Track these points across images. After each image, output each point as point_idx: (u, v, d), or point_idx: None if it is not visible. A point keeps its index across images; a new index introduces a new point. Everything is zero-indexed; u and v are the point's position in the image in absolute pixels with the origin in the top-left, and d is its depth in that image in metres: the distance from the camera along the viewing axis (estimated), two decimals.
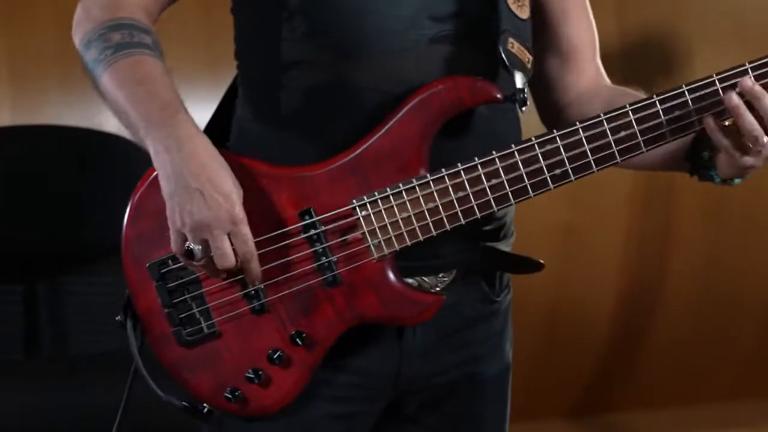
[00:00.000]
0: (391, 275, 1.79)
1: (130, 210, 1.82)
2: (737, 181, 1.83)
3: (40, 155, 3.13)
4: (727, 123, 1.76)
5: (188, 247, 1.71)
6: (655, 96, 1.77)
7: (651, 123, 1.77)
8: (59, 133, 3.10)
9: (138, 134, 1.77)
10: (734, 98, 1.73)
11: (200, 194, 1.70)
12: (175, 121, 1.74)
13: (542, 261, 1.87)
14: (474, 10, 1.84)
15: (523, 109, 1.84)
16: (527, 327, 4.00)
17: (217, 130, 1.91)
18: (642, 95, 1.83)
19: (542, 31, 1.96)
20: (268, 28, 1.85)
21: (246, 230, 1.72)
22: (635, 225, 4.12)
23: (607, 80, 2.02)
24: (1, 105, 3.45)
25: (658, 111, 1.76)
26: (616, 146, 1.77)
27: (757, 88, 1.73)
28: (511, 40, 1.81)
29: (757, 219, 4.18)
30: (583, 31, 2.00)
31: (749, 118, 1.73)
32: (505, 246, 1.92)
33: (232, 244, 1.72)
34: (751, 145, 1.74)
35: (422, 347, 1.88)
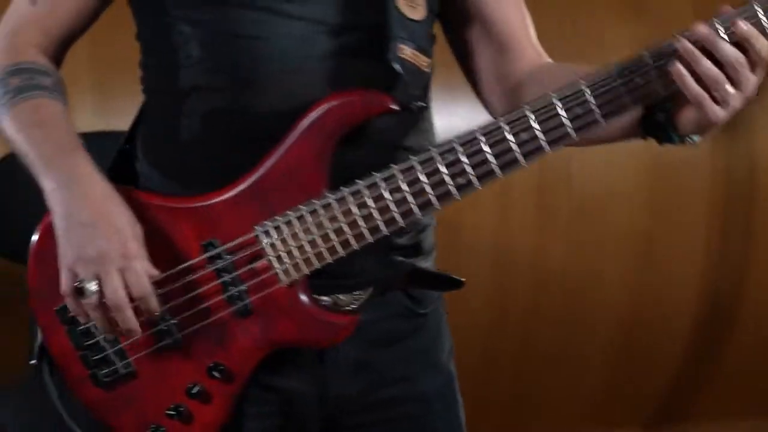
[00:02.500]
0: (304, 298, 1.77)
1: (32, 256, 1.80)
2: (696, 138, 1.74)
3: None
4: None
5: (79, 284, 1.68)
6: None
7: (554, 123, 1.72)
8: None
9: (38, 174, 1.75)
10: (686, 43, 1.65)
11: (92, 229, 1.68)
12: (70, 160, 1.73)
13: (462, 279, 1.84)
14: (365, 19, 1.79)
15: (426, 114, 1.81)
16: (604, 335, 3.99)
17: (128, 158, 1.89)
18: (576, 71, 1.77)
19: (471, 22, 1.91)
20: (165, 54, 1.82)
21: (139, 266, 1.69)
22: (715, 233, 4.03)
23: (547, 58, 1.95)
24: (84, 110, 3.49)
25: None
26: (520, 149, 1.73)
27: (711, 33, 1.65)
28: (401, 46, 1.77)
29: None
30: (512, 15, 1.94)
31: (707, 63, 1.64)
32: (424, 262, 1.89)
33: (126, 282, 1.69)
34: (715, 94, 1.64)
35: (348, 366, 1.86)
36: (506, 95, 1.92)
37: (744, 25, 1.65)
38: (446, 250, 3.75)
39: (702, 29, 1.66)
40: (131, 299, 1.69)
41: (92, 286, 1.68)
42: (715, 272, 4.10)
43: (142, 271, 1.69)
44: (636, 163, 3.95)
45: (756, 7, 1.68)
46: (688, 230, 4.04)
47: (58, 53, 1.87)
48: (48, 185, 1.72)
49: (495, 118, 1.77)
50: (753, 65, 1.66)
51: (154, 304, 1.71)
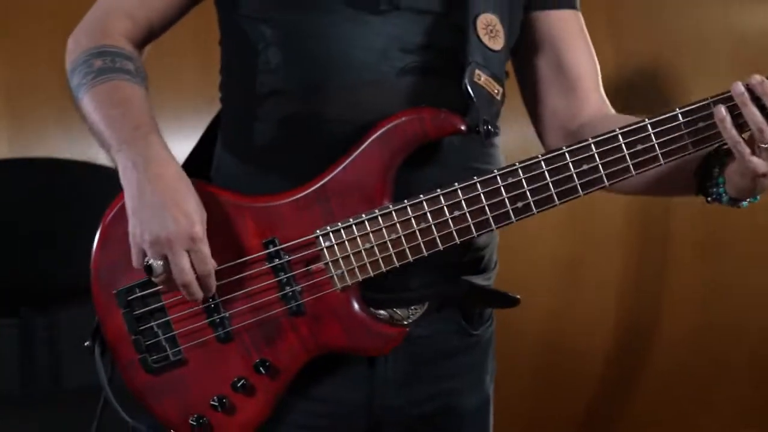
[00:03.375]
0: (356, 305, 1.81)
1: (99, 237, 1.85)
2: (745, 203, 1.81)
3: (36, 188, 3.17)
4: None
5: (147, 262, 1.74)
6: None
7: (614, 156, 1.78)
8: (55, 166, 3.16)
9: (110, 153, 1.81)
10: (740, 86, 1.72)
11: (162, 211, 1.73)
12: (146, 141, 1.78)
13: (518, 296, 1.88)
14: (444, 41, 1.86)
15: (495, 140, 1.86)
16: (524, 360, 4.01)
17: (199, 161, 1.95)
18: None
19: (543, 61, 1.98)
20: (247, 59, 1.88)
21: (205, 249, 1.74)
22: (631, 258, 4.12)
23: (612, 110, 2.01)
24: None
25: (620, 144, 1.77)
26: (578, 179, 1.78)
27: (766, 83, 1.71)
28: (477, 71, 1.83)
29: (754, 250, 4.15)
30: (584, 62, 2.01)
31: (753, 109, 1.71)
32: (483, 279, 1.92)
33: (192, 262, 1.74)
34: (757, 140, 1.72)
35: (396, 377, 1.89)
36: (566, 136, 1.98)
37: None
38: None
39: (757, 77, 1.72)
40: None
41: (160, 266, 1.73)
42: (631, 297, 4.14)
43: (207, 252, 1.74)
44: None
45: None
46: (605, 254, 4.07)
47: (142, 44, 1.93)
48: (122, 163, 1.77)
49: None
50: None
51: (213, 284, 1.76)
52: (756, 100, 1.72)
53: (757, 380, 4.27)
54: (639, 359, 4.21)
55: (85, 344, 1.88)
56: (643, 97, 3.94)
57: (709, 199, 1.83)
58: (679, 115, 1.77)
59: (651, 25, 4.06)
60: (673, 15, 4.07)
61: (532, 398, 4.13)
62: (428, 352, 1.90)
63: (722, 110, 1.73)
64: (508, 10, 1.90)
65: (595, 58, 2.02)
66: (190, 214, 1.74)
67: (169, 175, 1.76)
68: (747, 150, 1.72)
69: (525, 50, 1.99)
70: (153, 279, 1.74)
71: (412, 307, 1.86)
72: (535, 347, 4.08)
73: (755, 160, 1.72)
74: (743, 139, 1.73)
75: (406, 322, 1.85)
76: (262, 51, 1.86)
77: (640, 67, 4.00)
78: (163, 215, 1.73)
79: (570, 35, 2.00)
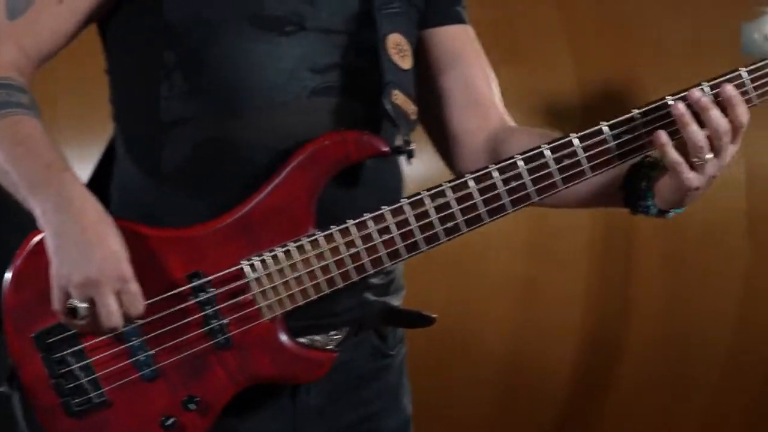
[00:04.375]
0: (283, 335, 1.77)
1: (12, 278, 1.76)
2: (671, 214, 1.81)
3: None
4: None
5: (71, 304, 1.66)
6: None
7: (542, 172, 1.75)
8: None
9: (20, 192, 1.71)
10: (680, 107, 1.71)
11: (89, 250, 1.66)
12: (61, 179, 1.70)
13: (434, 315, 1.85)
14: (353, 61, 1.82)
15: (411, 160, 1.82)
16: (487, 380, 3.98)
17: (97, 194, 1.86)
18: (549, 134, 1.81)
19: (442, 77, 1.95)
20: (147, 86, 1.81)
21: (135, 288, 1.67)
22: (595, 274, 4.10)
23: (512, 122, 1.98)
24: None
25: (552, 158, 1.75)
26: (508, 196, 1.76)
27: (705, 99, 1.70)
28: (395, 92, 1.79)
29: (714, 265, 4.17)
30: (479, 76, 1.98)
31: (695, 128, 1.70)
32: (396, 300, 1.90)
33: (122, 304, 1.67)
34: (695, 159, 1.71)
35: (317, 406, 1.85)
36: (475, 153, 1.95)
37: (732, 90, 1.71)
38: None
39: (696, 93, 1.70)
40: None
41: (85, 309, 1.66)
42: (595, 313, 4.16)
43: (139, 292, 1.67)
44: None
45: (742, 73, 1.74)
46: (568, 270, 4.10)
47: (31, 72, 1.82)
48: (38, 206, 1.68)
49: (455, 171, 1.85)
50: (734, 133, 1.72)
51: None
52: (695, 115, 1.71)
53: (723, 391, 4.29)
54: (604, 375, 4.19)
55: (0, 390, 1.80)
56: (605, 109, 3.93)
57: (636, 212, 1.83)
58: (605, 128, 1.75)
59: (610, 37, 4.04)
60: (632, 26, 4.06)
61: (494, 419, 4.11)
62: (347, 378, 1.87)
63: (663, 136, 1.72)
64: (410, 28, 1.87)
65: (491, 70, 1.99)
66: (117, 251, 1.67)
67: (91, 213, 1.68)
68: (686, 169, 1.72)
69: (424, 70, 1.94)
70: (75, 322, 1.66)
71: (331, 333, 1.83)
72: (497, 367, 4.05)
73: (692, 176, 1.72)
74: (683, 156, 1.72)
75: (326, 348, 1.81)
76: (164, 77, 1.79)
77: (602, 79, 3.97)
78: (89, 255, 1.65)
79: (466, 50, 1.97)
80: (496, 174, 1.75)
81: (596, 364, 4.19)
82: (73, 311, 1.66)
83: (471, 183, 1.75)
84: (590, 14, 4.08)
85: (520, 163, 1.75)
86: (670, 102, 1.72)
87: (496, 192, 1.75)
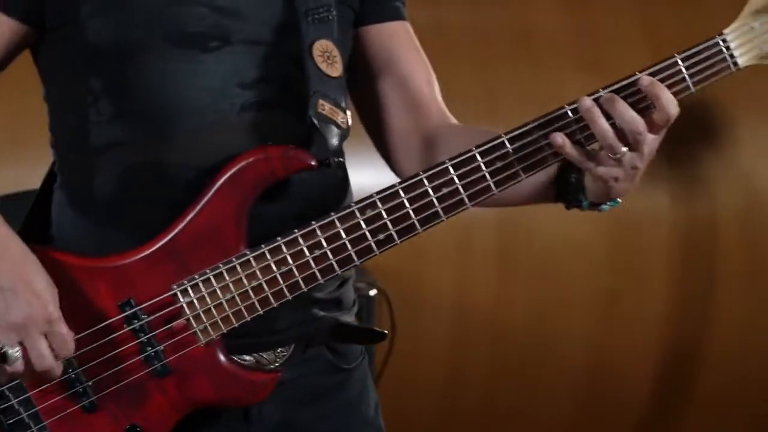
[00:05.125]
0: (221, 357, 1.73)
1: None
2: (606, 207, 1.74)
3: None
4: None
5: (1, 350, 1.65)
6: (474, 149, 1.70)
7: (475, 176, 1.70)
8: None
9: None
10: (587, 101, 1.65)
11: (13, 294, 1.64)
12: None
13: (385, 332, 1.81)
14: (283, 72, 1.77)
15: (336, 172, 1.78)
16: (567, 393, 3.94)
17: (37, 222, 1.85)
18: (489, 133, 1.75)
19: (379, 79, 1.91)
20: (76, 112, 1.78)
21: (63, 328, 1.65)
22: (676, 290, 4.04)
23: (453, 119, 1.94)
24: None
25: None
26: (439, 204, 1.70)
27: (613, 96, 1.65)
28: (321, 101, 1.75)
29: None
30: (418, 73, 1.94)
31: (604, 125, 1.64)
32: (347, 316, 1.86)
33: (51, 345, 1.65)
34: (609, 155, 1.65)
35: (273, 425, 1.82)
36: (415, 154, 1.91)
37: (646, 81, 1.65)
38: (406, 306, 3.72)
39: (607, 94, 1.65)
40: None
41: (16, 353, 1.65)
42: (676, 328, 4.07)
43: (67, 333, 1.65)
44: (596, 217, 3.93)
45: (677, 60, 1.67)
46: (649, 284, 4.02)
47: None
48: None
49: (398, 174, 1.80)
50: (652, 125, 1.64)
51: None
52: (605, 114, 1.64)
53: None
54: (684, 389, 4.13)
55: None
56: (686, 117, 3.82)
57: (569, 206, 1.77)
58: (534, 129, 1.69)
59: (686, 21, 3.96)
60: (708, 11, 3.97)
61: (574, 427, 4.07)
62: (300, 395, 1.84)
63: (558, 138, 1.66)
64: (341, 32, 1.81)
65: (429, 67, 1.94)
66: (42, 294, 1.65)
67: (13, 254, 1.67)
68: (592, 165, 1.66)
69: (359, 69, 1.90)
70: (8, 367, 1.65)
71: (279, 350, 1.79)
72: (577, 377, 4.01)
73: (602, 170, 1.66)
74: (587, 153, 1.67)
75: (273, 366, 1.78)
76: (92, 104, 1.76)
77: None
78: (13, 299, 1.64)
79: (403, 47, 1.92)
80: (426, 182, 1.70)
81: (676, 378, 4.12)
82: (3, 357, 1.64)
83: (401, 192, 1.70)
84: (671, 23, 4.00)
85: (451, 169, 1.69)
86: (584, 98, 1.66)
87: (428, 199, 1.70)
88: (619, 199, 1.72)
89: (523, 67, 4.00)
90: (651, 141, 1.65)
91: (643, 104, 1.65)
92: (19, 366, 1.66)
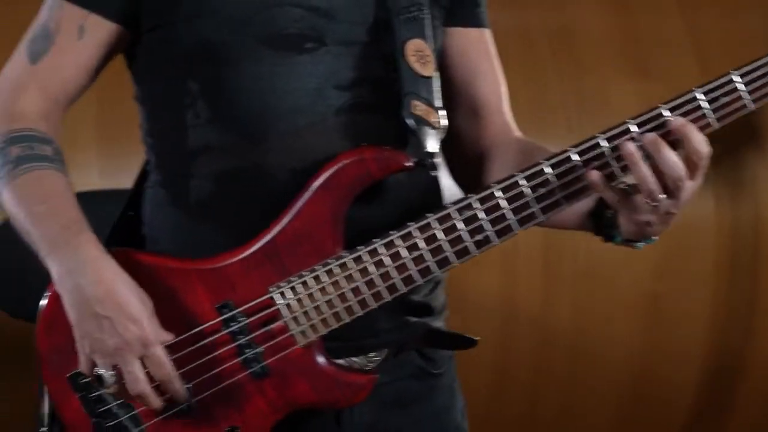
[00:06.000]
0: (321, 359, 1.74)
1: (40, 325, 1.75)
2: (641, 244, 1.75)
3: None
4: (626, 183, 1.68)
5: (97, 373, 1.66)
6: (570, 148, 1.70)
7: (571, 177, 1.70)
8: None
9: (40, 253, 1.71)
10: (629, 146, 1.64)
11: (109, 321, 1.65)
12: (77, 241, 1.69)
13: (476, 338, 1.81)
14: (377, 72, 1.78)
15: (432, 173, 1.77)
16: (610, 395, 3.93)
17: (131, 218, 1.86)
18: (551, 150, 1.75)
19: (449, 87, 1.89)
20: (174, 114, 1.79)
21: (159, 352, 1.66)
22: (721, 292, 4.00)
23: (518, 133, 1.94)
24: (90, 169, 3.46)
25: (576, 165, 1.69)
26: (538, 204, 1.70)
27: (657, 139, 1.63)
28: (414, 102, 1.75)
29: None
30: (489, 83, 1.94)
31: (644, 169, 1.63)
32: (438, 321, 1.86)
33: (146, 368, 1.66)
34: (646, 201, 1.65)
35: (362, 429, 1.82)
36: (468, 162, 1.92)
37: (677, 122, 1.63)
38: (452, 310, 3.72)
39: (650, 135, 1.63)
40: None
41: (111, 377, 1.66)
42: (722, 333, 4.06)
43: (163, 356, 1.66)
44: None
45: (697, 94, 1.66)
46: (695, 290, 4.02)
47: (58, 116, 1.81)
48: (55, 269, 1.68)
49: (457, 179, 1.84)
50: (692, 170, 1.64)
51: (178, 386, 1.69)
52: (647, 157, 1.63)
53: None
54: (727, 397, 4.10)
55: (41, 430, 1.80)
56: (733, 123, 3.80)
57: (605, 240, 1.77)
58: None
59: (737, 50, 3.95)
60: (759, 39, 3.97)
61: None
62: (392, 399, 1.84)
63: (594, 175, 1.65)
64: (432, 31, 1.81)
65: (502, 79, 1.94)
66: (137, 317, 1.65)
67: (107, 278, 1.67)
68: (627, 210, 1.67)
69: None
70: (105, 390, 1.66)
71: (371, 354, 1.79)
72: (621, 382, 3.99)
73: (639, 215, 1.67)
74: (624, 196, 1.67)
75: (365, 370, 1.78)
76: (189, 106, 1.77)
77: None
78: (110, 326, 1.65)
79: (479, 55, 1.93)
80: (523, 182, 1.70)
81: (720, 386, 4.09)
82: (99, 380, 1.66)
83: (498, 193, 1.70)
84: (717, 27, 3.99)
85: (547, 169, 1.70)
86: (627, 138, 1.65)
87: (525, 200, 1.70)
88: (654, 237, 1.72)
89: (567, 69, 3.99)
90: (690, 187, 1.64)
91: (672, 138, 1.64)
92: (114, 389, 1.67)
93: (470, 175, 1.90)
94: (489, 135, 1.92)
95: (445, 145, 1.84)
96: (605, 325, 3.95)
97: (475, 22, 1.93)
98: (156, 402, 1.68)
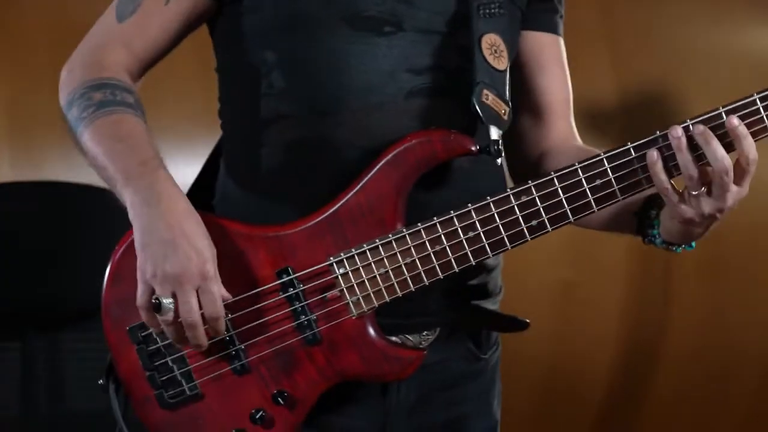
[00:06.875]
0: (372, 332, 1.79)
1: (110, 273, 1.81)
2: (679, 249, 1.81)
3: (39, 211, 3.15)
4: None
5: (156, 299, 1.70)
6: (629, 144, 1.76)
7: (626, 170, 1.75)
8: (57, 189, 3.14)
9: (116, 187, 1.77)
10: (678, 130, 1.70)
11: (173, 246, 1.70)
12: (155, 176, 1.75)
13: (527, 320, 1.86)
14: (451, 62, 1.84)
15: (498, 161, 1.83)
16: (526, 384, 3.99)
17: (203, 189, 1.93)
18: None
19: (517, 85, 1.95)
20: (248, 84, 1.85)
21: (215, 288, 1.71)
22: (634, 280, 4.09)
23: (579, 141, 2.01)
24: (1, 160, 3.51)
25: (632, 159, 1.75)
26: (591, 195, 1.76)
27: (707, 131, 1.69)
28: (485, 91, 1.81)
29: (756, 273, 4.14)
30: (557, 88, 2.00)
31: (688, 156, 1.69)
32: (491, 304, 1.91)
33: (200, 303, 1.71)
34: (687, 187, 1.71)
35: (407, 405, 1.87)
36: (528, 163, 1.98)
37: (734, 122, 1.69)
38: (509, 297, 3.74)
39: (700, 127, 1.69)
40: (204, 319, 1.72)
41: (169, 304, 1.70)
42: (634, 318, 4.13)
43: (218, 293, 1.71)
44: None
45: (756, 98, 1.71)
46: (607, 276, 4.07)
47: (139, 75, 1.89)
48: (130, 198, 1.73)
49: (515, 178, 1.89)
50: (739, 173, 1.70)
51: (222, 326, 1.73)
52: (693, 147, 1.69)
53: (762, 401, 4.24)
54: (641, 381, 4.18)
55: (99, 382, 1.85)
56: (645, 115, 3.92)
57: (645, 240, 1.84)
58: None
59: (649, 41, 4.03)
60: (671, 34, 4.05)
61: (535, 422, 4.12)
62: (439, 378, 1.88)
63: (654, 154, 1.72)
64: (509, 29, 1.88)
65: (570, 88, 2.01)
66: (202, 251, 1.71)
67: (180, 210, 1.73)
68: (675, 198, 1.72)
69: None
70: (160, 318, 1.71)
71: (424, 333, 1.84)
72: (535, 369, 4.05)
73: (683, 207, 1.72)
74: (672, 184, 1.72)
75: (420, 348, 1.83)
76: (264, 75, 1.83)
77: (640, 84, 3.96)
78: (174, 251, 1.70)
79: (550, 60, 1.99)
80: (580, 172, 1.75)
81: (634, 370, 4.17)
82: (158, 306, 1.70)
83: (556, 181, 1.76)
84: (629, 19, 4.06)
85: (605, 161, 1.75)
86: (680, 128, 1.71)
87: (581, 189, 1.76)
88: (693, 243, 1.79)
89: None
90: (735, 192, 1.70)
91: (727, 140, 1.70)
92: (169, 317, 1.71)
93: (525, 175, 1.95)
94: (551, 138, 1.98)
95: (505, 141, 1.89)
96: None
97: (551, 28, 2.00)
98: (203, 339, 1.72)
